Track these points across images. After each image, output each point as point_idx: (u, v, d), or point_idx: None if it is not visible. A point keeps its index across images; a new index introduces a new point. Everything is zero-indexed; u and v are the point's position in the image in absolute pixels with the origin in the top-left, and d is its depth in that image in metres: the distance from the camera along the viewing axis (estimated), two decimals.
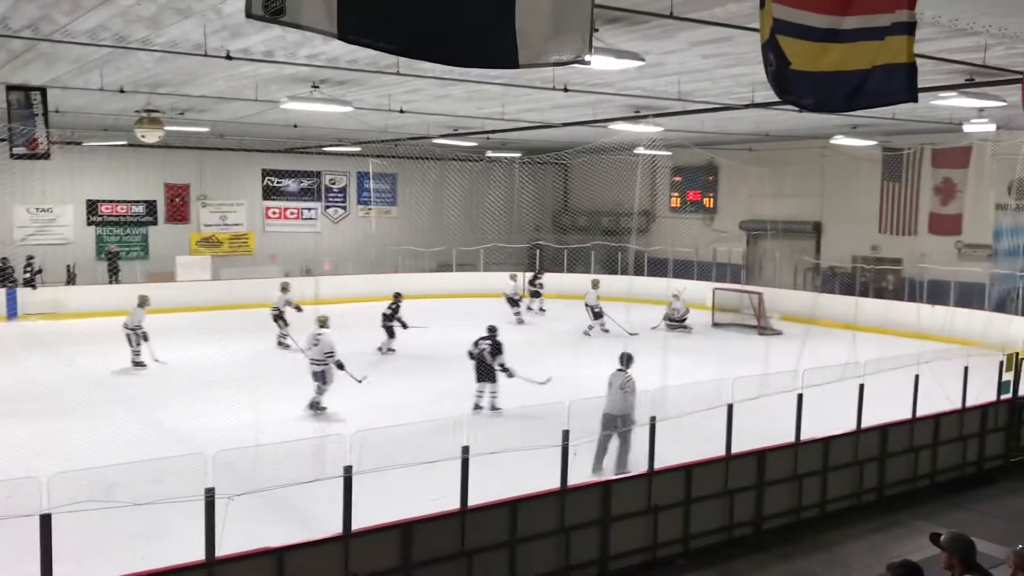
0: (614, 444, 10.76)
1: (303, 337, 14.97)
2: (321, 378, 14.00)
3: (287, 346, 19.34)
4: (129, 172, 29.27)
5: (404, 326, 19.20)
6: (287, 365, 16.66)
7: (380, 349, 19.21)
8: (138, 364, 17.71)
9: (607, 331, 22.29)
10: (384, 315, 19.39)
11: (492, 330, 14.52)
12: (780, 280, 27.54)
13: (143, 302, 18.19)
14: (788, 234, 27.77)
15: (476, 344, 14.30)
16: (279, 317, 19.92)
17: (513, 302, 24.50)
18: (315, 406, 14.02)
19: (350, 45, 3.98)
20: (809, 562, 9.48)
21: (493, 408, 14.06)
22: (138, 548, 8.18)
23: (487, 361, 14.13)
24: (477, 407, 14.20)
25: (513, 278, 25.15)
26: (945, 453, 11.87)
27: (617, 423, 10.67)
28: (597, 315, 22.64)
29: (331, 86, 15.15)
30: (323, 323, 14.26)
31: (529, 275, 27.07)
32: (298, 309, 19.85)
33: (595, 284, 23.34)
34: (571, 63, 4.35)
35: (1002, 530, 10.15)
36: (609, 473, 10.02)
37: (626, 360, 11.18)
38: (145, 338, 17.68)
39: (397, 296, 19.74)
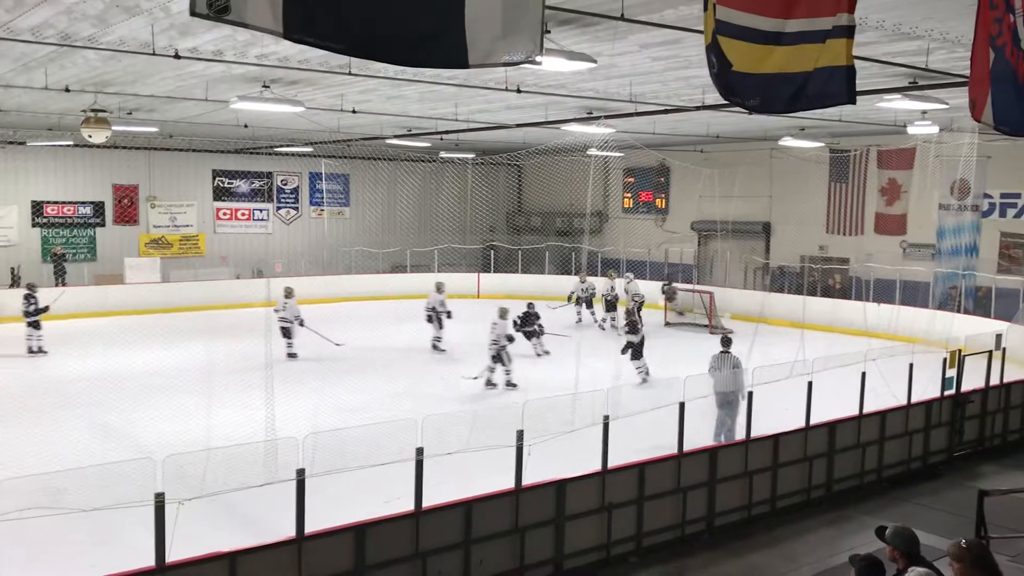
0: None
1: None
2: (499, 359, 16.27)
3: (442, 351, 19.58)
4: (76, 172, 28.70)
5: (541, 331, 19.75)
6: (238, 368, 16.47)
7: (538, 354, 19.49)
8: (292, 356, 18.53)
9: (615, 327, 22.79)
10: (514, 322, 19.16)
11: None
12: (730, 280, 27.89)
13: (290, 293, 19.08)
14: (738, 234, 28.13)
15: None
16: (435, 318, 20.04)
17: (586, 302, 24.23)
18: (506, 383, 16.19)
19: (300, 45, 3.96)
20: (760, 557, 9.61)
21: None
22: (86, 555, 8.05)
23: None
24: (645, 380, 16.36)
25: (583, 280, 24.67)
26: (891, 448, 12.11)
27: (730, 399, 12.22)
28: (611, 306, 23.49)
29: (282, 86, 15.03)
30: (503, 315, 16.72)
31: (662, 283, 24.83)
32: (448, 315, 20.03)
33: (611, 276, 24.13)
34: (522, 63, 4.37)
35: (946, 523, 10.40)
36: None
37: (727, 343, 13.23)
38: (301, 324, 18.34)
39: (531, 305, 20.02)
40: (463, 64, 4.14)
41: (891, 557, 5.56)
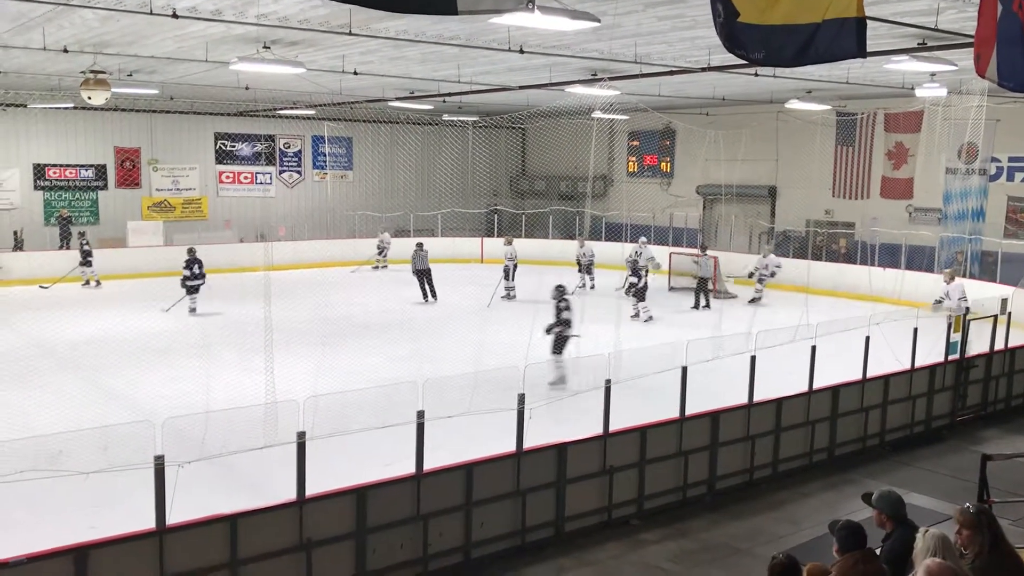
0: None
1: None
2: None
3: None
4: (77, 135, 28.52)
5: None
6: (238, 331, 16.45)
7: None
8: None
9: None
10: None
11: None
12: (735, 244, 27.75)
13: (582, 244, 24.65)
14: (743, 198, 27.96)
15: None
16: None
17: (587, 268, 24.46)
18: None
19: (300, 3, 3.86)
20: (761, 520, 9.62)
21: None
22: (86, 517, 8.06)
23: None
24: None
25: (582, 244, 24.87)
26: (894, 413, 12.09)
27: None
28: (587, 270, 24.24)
29: (283, 47, 14.84)
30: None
31: None
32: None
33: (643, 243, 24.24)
34: (512, 11, 4.24)
35: (949, 487, 10.42)
36: None
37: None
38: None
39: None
40: (451, 10, 4.02)
41: (878, 522, 5.60)
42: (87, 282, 23.59)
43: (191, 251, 20.37)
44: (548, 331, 13.95)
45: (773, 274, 22.66)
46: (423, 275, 21.76)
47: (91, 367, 14.19)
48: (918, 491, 10.29)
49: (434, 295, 21.70)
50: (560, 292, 14.38)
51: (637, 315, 19.86)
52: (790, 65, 5.12)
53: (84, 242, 24.14)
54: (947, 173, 23.17)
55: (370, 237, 29.91)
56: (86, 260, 23.58)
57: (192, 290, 19.68)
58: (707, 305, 21.54)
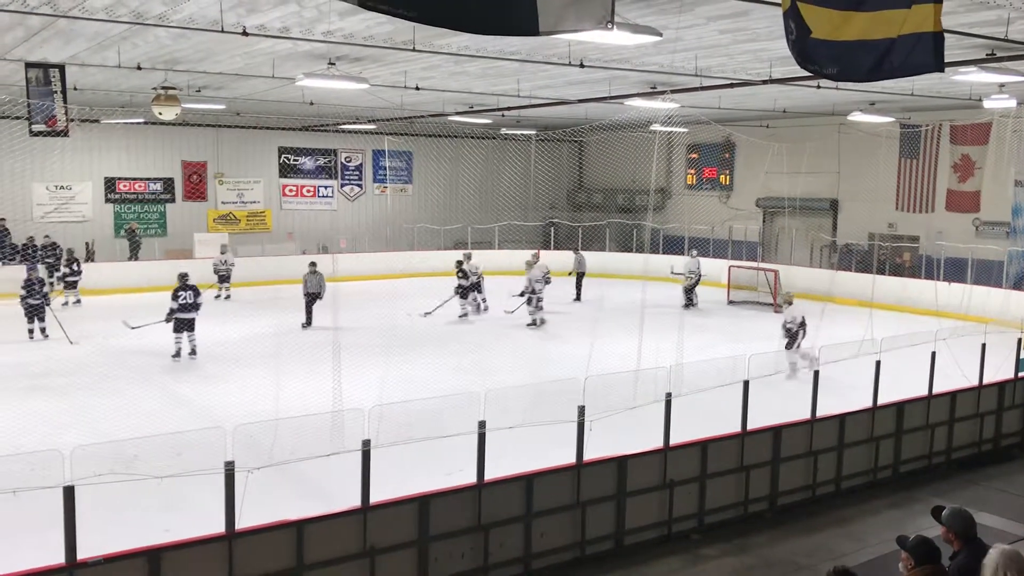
0: None
1: None
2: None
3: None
4: (147, 149, 29.31)
5: None
6: (305, 341, 16.76)
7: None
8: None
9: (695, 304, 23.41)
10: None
11: None
12: (796, 258, 27.42)
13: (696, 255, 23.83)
14: (805, 211, 27.61)
15: None
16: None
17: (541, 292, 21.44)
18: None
19: (366, 20, 3.99)
20: (824, 537, 9.50)
21: None
22: (159, 520, 8.29)
23: None
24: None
25: (536, 259, 22.96)
26: (961, 430, 11.85)
27: None
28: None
29: (347, 63, 15.13)
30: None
31: None
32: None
33: (692, 254, 24.40)
34: (592, 30, 4.30)
35: (1018, 507, 10.17)
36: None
37: None
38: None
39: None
40: (533, 31, 4.10)
41: (946, 538, 5.49)
42: (66, 302, 22.19)
43: (70, 251, 23.31)
44: (169, 316, 16.30)
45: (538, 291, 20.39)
46: (312, 299, 19.89)
47: (162, 375, 14.58)
48: (988, 510, 10.07)
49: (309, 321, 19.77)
50: (183, 278, 16.79)
51: (466, 314, 21.13)
52: (865, 80, 5.07)
53: (74, 260, 22.79)
54: (1016, 186, 22.65)
55: (428, 249, 30.22)
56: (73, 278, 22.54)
57: (70, 285, 22.32)
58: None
